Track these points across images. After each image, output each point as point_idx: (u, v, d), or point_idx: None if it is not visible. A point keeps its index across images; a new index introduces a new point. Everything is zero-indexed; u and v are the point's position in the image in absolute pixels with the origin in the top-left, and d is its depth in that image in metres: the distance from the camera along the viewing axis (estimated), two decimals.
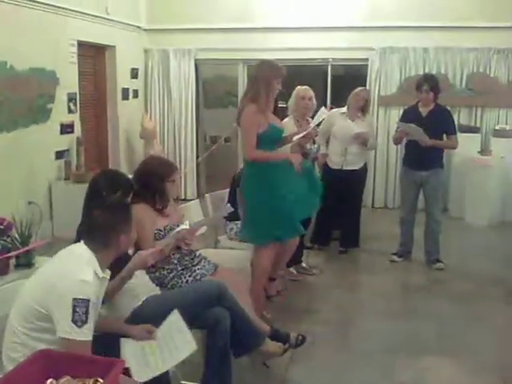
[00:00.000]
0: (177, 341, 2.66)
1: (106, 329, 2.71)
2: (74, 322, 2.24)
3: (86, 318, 2.26)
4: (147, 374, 2.47)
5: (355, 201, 6.14)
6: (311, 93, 5.19)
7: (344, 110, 5.94)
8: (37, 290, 2.37)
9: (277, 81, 3.95)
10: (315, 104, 5.19)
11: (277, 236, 4.10)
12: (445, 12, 7.99)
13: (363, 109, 5.93)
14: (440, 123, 5.60)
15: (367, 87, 8.35)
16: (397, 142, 6.12)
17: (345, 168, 5.90)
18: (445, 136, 5.69)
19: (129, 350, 2.61)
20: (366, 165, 6.14)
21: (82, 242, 2.52)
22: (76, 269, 2.34)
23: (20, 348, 2.32)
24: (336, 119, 5.91)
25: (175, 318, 2.77)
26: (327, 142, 6.02)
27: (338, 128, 5.87)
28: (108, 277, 2.55)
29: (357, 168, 5.96)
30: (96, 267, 2.41)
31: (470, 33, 7.99)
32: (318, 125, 4.85)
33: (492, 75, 8.13)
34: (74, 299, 2.24)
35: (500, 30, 7.92)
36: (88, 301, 2.27)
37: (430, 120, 5.56)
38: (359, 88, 6.02)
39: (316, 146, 5.33)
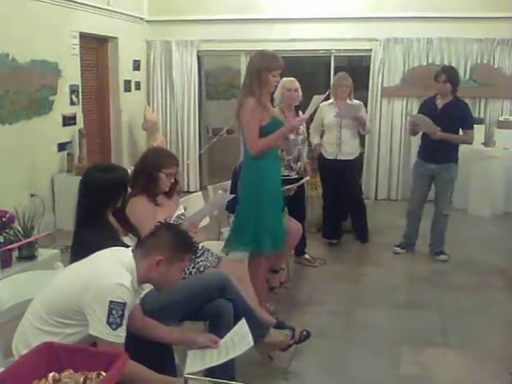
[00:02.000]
0: (236, 341, 2.72)
1: (168, 339, 2.73)
2: (109, 324, 2.24)
3: (121, 320, 2.28)
4: (198, 366, 2.53)
5: (353, 193, 6.11)
6: (297, 84, 5.15)
7: (331, 100, 5.89)
8: (72, 284, 2.38)
9: (272, 73, 3.76)
10: (301, 95, 5.16)
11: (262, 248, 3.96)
12: (449, 2, 7.94)
13: (350, 95, 5.87)
14: (455, 117, 5.48)
15: (370, 78, 8.35)
16: (412, 133, 6.02)
17: (339, 158, 5.87)
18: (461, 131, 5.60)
19: (192, 359, 2.62)
20: (361, 156, 6.09)
21: (130, 248, 2.53)
22: (116, 272, 2.34)
23: (39, 333, 2.33)
24: (326, 111, 5.87)
25: (241, 327, 2.81)
26: (321, 136, 6.01)
27: (339, 111, 5.79)
28: (142, 291, 2.55)
29: (351, 158, 5.93)
30: (134, 276, 2.40)
31: (473, 23, 7.94)
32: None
33: (496, 66, 8.08)
34: (111, 302, 2.25)
35: (504, 21, 7.86)
36: (124, 304, 2.28)
37: (445, 113, 5.47)
38: (340, 76, 5.92)
39: (301, 137, 5.25)
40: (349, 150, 5.89)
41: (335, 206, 6.07)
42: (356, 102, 5.93)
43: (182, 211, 3.58)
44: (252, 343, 2.70)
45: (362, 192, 6.46)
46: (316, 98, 4.19)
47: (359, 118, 5.83)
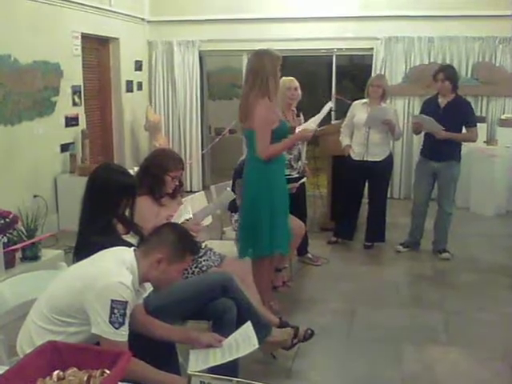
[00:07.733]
0: (240, 342, 2.70)
1: (171, 337, 2.73)
2: (112, 323, 2.25)
3: (123, 319, 2.28)
4: (201, 365, 2.52)
5: (379, 193, 5.97)
6: (296, 83, 5.13)
7: (366, 100, 5.81)
8: (74, 283, 2.38)
9: (279, 69, 3.81)
10: (300, 94, 5.15)
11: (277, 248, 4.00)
12: (450, 1, 7.93)
13: (383, 97, 5.76)
14: (458, 115, 5.48)
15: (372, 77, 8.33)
16: (415, 132, 5.99)
17: (366, 159, 5.74)
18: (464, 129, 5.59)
19: (195, 358, 2.61)
20: (390, 156, 5.94)
21: (132, 248, 2.53)
22: (117, 271, 2.34)
23: (43, 333, 2.34)
24: (358, 110, 5.80)
25: (246, 329, 2.80)
26: (351, 136, 5.89)
27: (365, 114, 5.69)
28: (143, 291, 2.56)
29: (379, 159, 5.76)
30: (135, 276, 2.40)
31: (475, 22, 7.93)
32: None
33: (497, 64, 8.08)
34: (113, 301, 2.25)
35: (506, 19, 7.85)
36: (126, 303, 2.28)
37: (448, 111, 5.47)
38: (373, 76, 5.94)
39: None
40: (377, 150, 5.73)
41: (353, 207, 6.04)
42: (386, 105, 5.79)
43: (191, 216, 3.57)
44: (257, 345, 2.68)
45: (386, 194, 6.19)
46: (326, 107, 4.23)
47: (387, 122, 5.65)
